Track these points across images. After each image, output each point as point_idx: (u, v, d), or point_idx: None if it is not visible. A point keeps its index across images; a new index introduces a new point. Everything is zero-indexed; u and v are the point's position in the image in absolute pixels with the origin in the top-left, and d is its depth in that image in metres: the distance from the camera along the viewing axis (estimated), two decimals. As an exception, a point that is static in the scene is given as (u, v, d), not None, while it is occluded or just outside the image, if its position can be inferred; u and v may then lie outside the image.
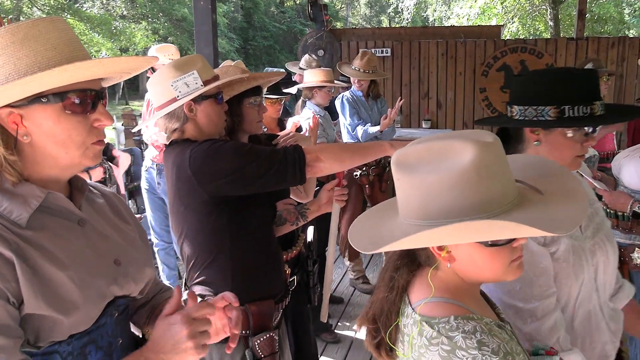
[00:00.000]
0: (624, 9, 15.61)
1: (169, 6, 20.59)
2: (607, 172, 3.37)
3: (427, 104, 7.00)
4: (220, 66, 2.24)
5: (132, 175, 4.45)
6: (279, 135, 2.39)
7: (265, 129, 2.70)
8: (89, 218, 1.18)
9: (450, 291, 1.08)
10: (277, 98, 3.22)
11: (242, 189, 1.72)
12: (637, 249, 2.24)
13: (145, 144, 4.60)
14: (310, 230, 2.42)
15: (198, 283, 1.81)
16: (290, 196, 2.31)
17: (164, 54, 3.83)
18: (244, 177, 1.67)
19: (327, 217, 2.19)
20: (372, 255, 5.30)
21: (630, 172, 2.28)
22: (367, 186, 4.35)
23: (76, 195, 1.20)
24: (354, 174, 4.23)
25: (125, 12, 20.99)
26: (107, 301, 1.16)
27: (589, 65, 3.89)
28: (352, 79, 4.38)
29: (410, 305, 1.11)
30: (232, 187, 1.70)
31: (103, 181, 3.34)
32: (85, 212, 1.19)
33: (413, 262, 1.16)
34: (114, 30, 17.33)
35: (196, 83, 1.73)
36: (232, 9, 28.23)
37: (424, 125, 6.93)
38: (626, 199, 2.25)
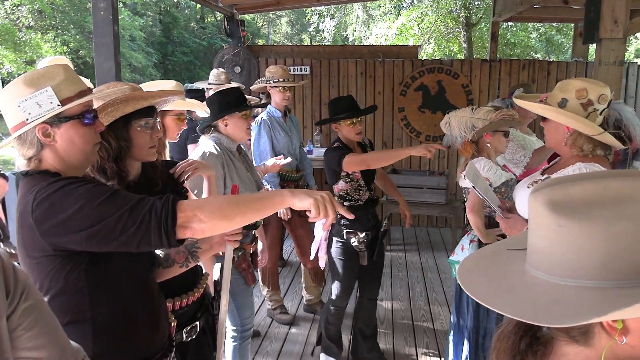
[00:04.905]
0: (531, 33, 16.52)
1: (80, 18, 19.59)
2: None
3: (347, 122, 6.90)
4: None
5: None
6: (177, 163, 2.10)
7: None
8: None
9: None
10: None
11: (90, 249, 1.37)
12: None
13: None
14: (217, 267, 2.15)
15: None
16: None
17: None
18: (94, 235, 1.33)
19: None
20: (291, 283, 5.07)
21: (519, 198, 2.21)
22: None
23: None
24: None
25: (32, 23, 19.72)
26: None
27: (519, 90, 3.84)
28: (274, 95, 4.08)
29: None
30: (79, 245, 1.35)
31: None
32: None
33: (537, 341, 0.92)
34: (18, 41, 16.13)
35: (51, 102, 1.38)
36: (150, 23, 27.34)
37: (344, 145, 6.81)
38: (522, 225, 2.16)
